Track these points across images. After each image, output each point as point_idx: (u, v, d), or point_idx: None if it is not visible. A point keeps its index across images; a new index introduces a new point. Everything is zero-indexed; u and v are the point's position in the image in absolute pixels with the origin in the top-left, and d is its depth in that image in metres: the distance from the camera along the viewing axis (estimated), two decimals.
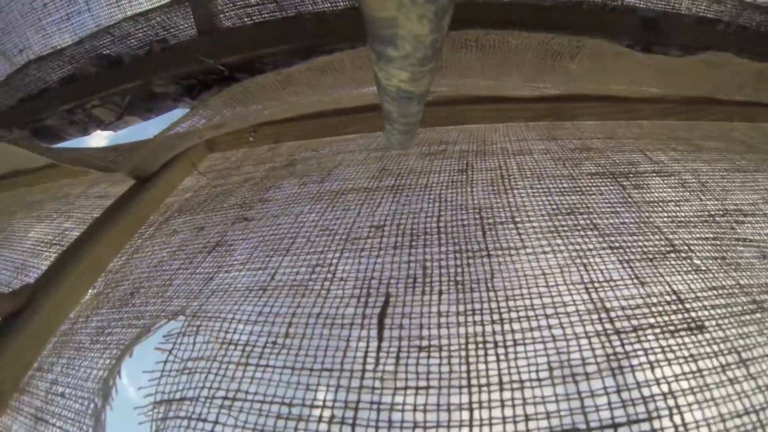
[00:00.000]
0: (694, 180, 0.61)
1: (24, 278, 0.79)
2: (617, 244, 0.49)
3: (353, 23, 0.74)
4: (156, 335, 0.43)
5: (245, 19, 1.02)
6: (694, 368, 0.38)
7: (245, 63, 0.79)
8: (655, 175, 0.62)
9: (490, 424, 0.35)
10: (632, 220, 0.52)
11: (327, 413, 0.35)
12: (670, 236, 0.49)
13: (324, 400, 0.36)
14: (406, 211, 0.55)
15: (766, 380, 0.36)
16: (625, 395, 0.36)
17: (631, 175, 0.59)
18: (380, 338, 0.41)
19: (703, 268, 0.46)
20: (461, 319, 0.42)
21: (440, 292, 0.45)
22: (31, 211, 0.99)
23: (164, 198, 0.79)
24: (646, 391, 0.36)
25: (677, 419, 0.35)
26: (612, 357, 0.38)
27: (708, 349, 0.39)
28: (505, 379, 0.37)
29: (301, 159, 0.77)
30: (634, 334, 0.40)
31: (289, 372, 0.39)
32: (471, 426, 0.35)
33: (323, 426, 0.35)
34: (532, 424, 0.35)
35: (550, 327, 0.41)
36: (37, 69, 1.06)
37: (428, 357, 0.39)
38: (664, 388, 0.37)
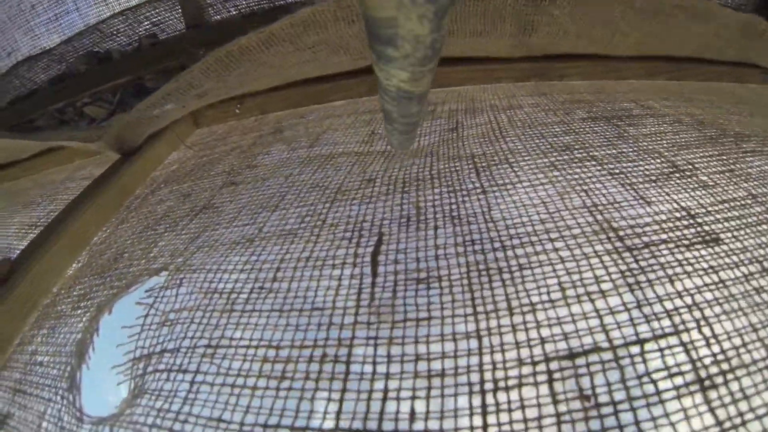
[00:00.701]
0: (689, 119, 0.58)
1: (7, 251, 0.74)
2: (617, 170, 0.45)
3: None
4: (137, 291, 0.39)
5: (233, 12, 1.01)
6: (716, 279, 0.34)
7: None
8: (649, 116, 0.58)
9: (502, 350, 0.31)
10: (631, 149, 0.48)
11: (318, 352, 0.31)
12: (672, 158, 0.46)
13: (315, 340, 0.32)
14: (398, 166, 0.52)
15: None
16: (647, 310, 0.31)
17: (625, 117, 0.56)
18: (374, 274, 0.37)
19: (711, 183, 0.42)
20: (460, 249, 0.38)
21: (436, 227, 0.41)
22: (16, 198, 0.95)
23: (150, 172, 0.75)
24: (668, 305, 0.31)
25: (707, 331, 0.30)
26: (627, 273, 0.34)
27: (728, 260, 0.34)
28: (514, 303, 0.33)
29: (288, 125, 0.74)
30: (647, 250, 0.36)
31: (276, 315, 0.34)
32: (481, 353, 0.30)
33: (314, 366, 0.30)
34: (549, 347, 0.30)
35: (556, 249, 0.37)
36: (26, 70, 1.04)
37: (428, 288, 0.35)
38: (688, 300, 0.32)
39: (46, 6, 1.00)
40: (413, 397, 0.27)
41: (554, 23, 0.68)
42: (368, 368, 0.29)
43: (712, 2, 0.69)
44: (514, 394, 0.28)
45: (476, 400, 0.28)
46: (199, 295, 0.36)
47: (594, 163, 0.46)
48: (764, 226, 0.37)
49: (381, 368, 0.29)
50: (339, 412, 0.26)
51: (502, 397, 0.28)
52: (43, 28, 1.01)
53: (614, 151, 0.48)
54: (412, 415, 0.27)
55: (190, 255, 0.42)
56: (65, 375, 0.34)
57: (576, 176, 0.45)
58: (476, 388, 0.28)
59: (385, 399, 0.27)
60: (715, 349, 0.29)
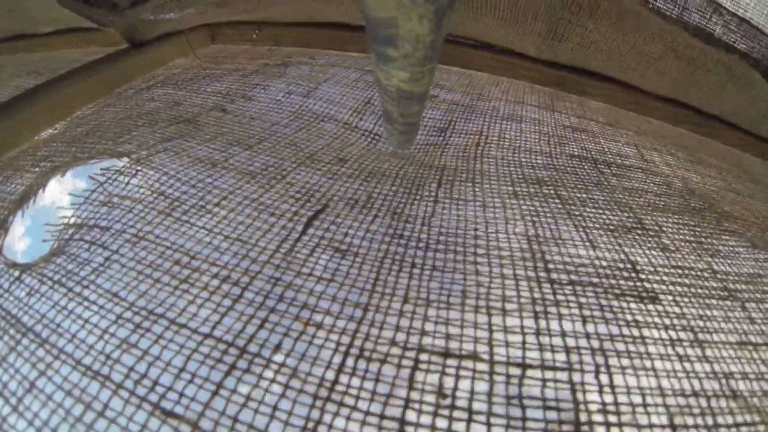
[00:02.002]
0: (681, 184, 0.56)
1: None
2: (577, 212, 0.46)
3: None
4: (94, 165, 0.42)
5: None
6: (636, 334, 0.33)
7: None
8: (640, 171, 0.57)
9: (381, 328, 0.34)
10: (602, 198, 0.49)
11: (224, 273, 0.35)
12: (641, 216, 0.46)
13: (227, 264, 0.36)
14: (372, 154, 0.54)
15: (724, 369, 0.31)
16: (544, 339, 0.32)
17: (614, 166, 0.56)
18: (303, 232, 0.40)
19: (672, 248, 0.42)
20: (387, 239, 0.41)
21: (375, 216, 0.43)
22: (23, 67, 0.97)
23: (152, 68, 0.77)
24: (570, 341, 0.32)
25: (604, 378, 0.30)
26: (539, 301, 0.35)
27: (657, 320, 0.34)
28: (412, 294, 0.36)
29: (295, 62, 0.74)
30: (570, 287, 0.36)
31: (205, 233, 0.38)
32: (360, 322, 0.34)
33: (215, 281, 0.34)
34: (426, 340, 0.33)
35: (476, 263, 0.38)
36: None
37: (342, 258, 0.38)
38: (595, 344, 0.32)
39: None
40: (285, 335, 0.31)
41: (587, 36, 0.65)
42: (258, 299, 0.32)
43: (756, 74, 0.66)
44: (373, 366, 0.31)
45: (336, 359, 0.31)
46: (147, 191, 0.40)
47: (557, 201, 0.48)
48: (714, 301, 0.37)
49: (269, 303, 0.32)
50: (217, 324, 0.30)
51: (361, 364, 0.31)
52: None
53: (584, 195, 0.49)
54: (278, 348, 0.30)
55: (155, 152, 0.45)
56: (1, 218, 0.38)
57: (532, 208, 0.46)
58: (342, 348, 0.31)
59: (261, 327, 0.31)
60: (608, 399, 0.29)
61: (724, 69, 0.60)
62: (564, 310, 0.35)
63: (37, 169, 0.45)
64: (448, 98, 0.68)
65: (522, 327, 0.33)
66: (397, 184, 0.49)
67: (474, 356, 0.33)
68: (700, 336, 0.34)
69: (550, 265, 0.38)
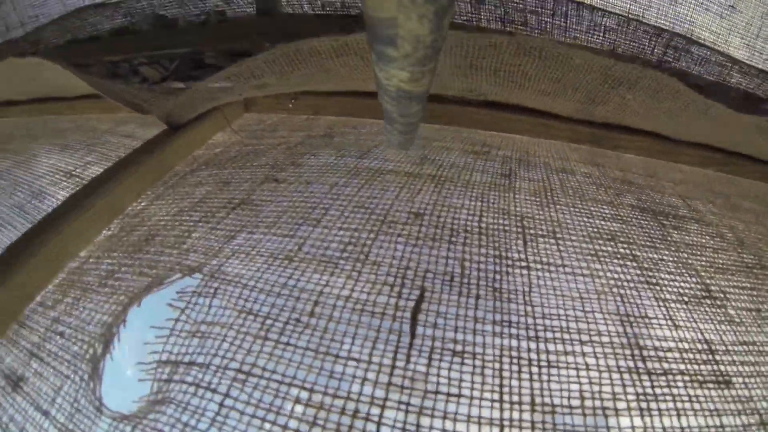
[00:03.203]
0: (731, 234, 0.58)
1: (38, 204, 0.71)
2: (654, 280, 0.46)
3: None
4: (168, 289, 0.38)
5: (306, 7, 0.91)
6: (718, 423, 0.36)
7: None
8: (694, 222, 0.59)
9: None
10: (671, 259, 0.49)
11: (351, 406, 0.32)
12: (708, 281, 0.47)
13: (349, 392, 0.33)
14: (447, 203, 0.51)
15: None
16: None
17: (671, 217, 0.56)
18: (413, 335, 0.37)
19: (737, 320, 0.44)
20: (497, 329, 0.39)
21: (477, 296, 0.41)
22: (54, 138, 0.89)
23: (193, 149, 0.72)
24: None
25: None
26: (642, 397, 0.36)
27: (732, 407, 0.37)
28: (537, 400, 0.35)
29: (339, 133, 0.70)
30: (664, 378, 0.38)
31: (312, 355, 0.35)
32: None
33: (346, 419, 0.31)
34: None
35: (584, 354, 0.38)
36: (91, 15, 0.95)
37: (462, 363, 0.36)
38: None
39: None
40: None
41: (624, 103, 0.66)
42: None
43: None
44: None
45: None
46: (234, 312, 0.36)
47: (635, 264, 0.47)
48: None
49: None
50: None
51: None
52: None
53: (655, 256, 0.49)
54: None
55: (225, 259, 0.41)
56: (87, 357, 0.33)
57: (615, 276, 0.45)
58: None
59: None
60: None
61: (756, 128, 0.61)
62: (663, 405, 0.35)
63: (105, 289, 0.40)
64: (500, 153, 0.66)
65: (633, 427, 0.33)
66: (483, 243, 0.47)
67: None
68: (764, 417, 0.36)
69: (645, 352, 0.38)
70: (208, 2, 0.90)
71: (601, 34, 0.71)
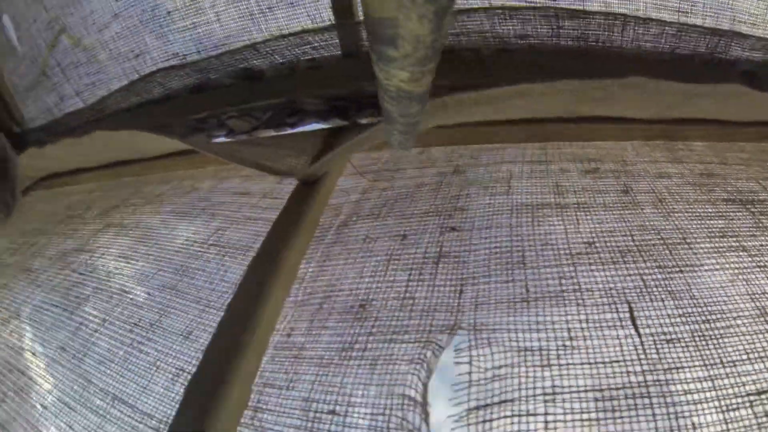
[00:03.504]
0: None
1: (190, 281, 0.81)
2: (763, 263, 0.71)
3: (510, 61, 0.84)
4: (447, 352, 0.55)
5: None
6: None
7: None
8: None
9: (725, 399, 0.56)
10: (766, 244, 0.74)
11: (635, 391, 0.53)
12: None
13: (629, 381, 0.54)
14: (604, 228, 0.72)
15: None
16: None
17: (756, 203, 0.81)
18: (639, 335, 0.59)
19: None
20: (684, 319, 0.62)
21: (662, 299, 0.63)
22: (158, 205, 0.96)
23: (328, 200, 0.85)
24: None
25: None
26: None
27: None
28: (725, 359, 0.58)
29: (465, 166, 0.87)
30: None
31: (588, 367, 0.55)
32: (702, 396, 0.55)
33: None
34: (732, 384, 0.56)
35: (738, 326, 0.61)
36: (162, 76, 0.98)
37: (674, 347, 0.58)
38: None
39: (183, 14, 0.95)
40: None
41: (696, 107, 0.88)
42: None
43: None
44: None
45: None
46: (512, 353, 0.54)
47: (745, 254, 0.71)
48: None
49: None
50: None
51: None
52: (178, 35, 0.97)
53: (757, 243, 0.73)
54: None
55: (471, 313, 0.58)
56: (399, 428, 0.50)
57: (735, 265, 0.69)
58: None
59: None
60: None
61: None
62: None
63: (351, 361, 0.55)
64: (606, 168, 0.87)
65: None
66: (645, 258, 0.68)
67: None
68: None
69: None
70: (295, 50, 0.99)
71: (663, 40, 0.92)
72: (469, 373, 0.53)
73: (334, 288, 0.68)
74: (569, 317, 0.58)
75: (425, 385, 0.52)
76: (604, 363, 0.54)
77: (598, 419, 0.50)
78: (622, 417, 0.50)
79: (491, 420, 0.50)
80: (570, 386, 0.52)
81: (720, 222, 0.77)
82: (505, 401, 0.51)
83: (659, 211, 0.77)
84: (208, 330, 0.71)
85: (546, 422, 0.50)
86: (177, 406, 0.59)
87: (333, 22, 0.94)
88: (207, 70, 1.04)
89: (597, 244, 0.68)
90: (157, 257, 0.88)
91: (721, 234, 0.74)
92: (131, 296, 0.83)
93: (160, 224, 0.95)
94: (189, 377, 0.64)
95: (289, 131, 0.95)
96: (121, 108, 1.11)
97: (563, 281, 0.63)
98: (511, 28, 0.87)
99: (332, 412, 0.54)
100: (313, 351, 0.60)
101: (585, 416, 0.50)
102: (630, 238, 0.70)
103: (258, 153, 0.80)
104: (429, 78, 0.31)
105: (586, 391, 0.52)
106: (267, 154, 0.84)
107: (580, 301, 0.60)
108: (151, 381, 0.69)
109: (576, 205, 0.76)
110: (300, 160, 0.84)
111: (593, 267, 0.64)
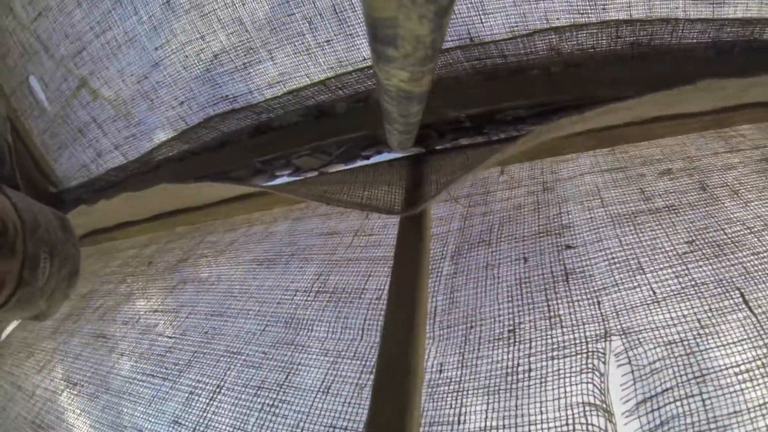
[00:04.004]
0: None
1: (308, 333, 0.94)
2: None
3: (577, 75, 1.08)
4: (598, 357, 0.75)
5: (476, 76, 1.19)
6: None
7: (485, 114, 1.06)
8: None
9: None
10: None
11: None
12: None
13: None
14: (697, 227, 0.95)
15: None
16: None
17: None
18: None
19: None
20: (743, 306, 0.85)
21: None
22: (233, 254, 1.09)
23: (429, 230, 1.03)
24: None
25: None
26: None
27: None
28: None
29: (551, 183, 1.09)
30: None
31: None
32: None
33: None
34: None
35: None
36: (218, 122, 1.12)
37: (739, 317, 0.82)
38: None
39: (232, 56, 1.09)
40: None
41: (748, 94, 1.16)
42: None
43: None
44: None
45: None
46: (661, 348, 0.75)
47: None
48: None
49: None
50: None
51: None
52: (227, 77, 1.11)
53: None
54: None
55: (616, 320, 0.78)
56: None
57: None
58: None
59: None
60: None
61: None
62: None
63: (520, 384, 0.75)
64: (675, 167, 1.11)
65: None
66: (734, 252, 0.93)
67: None
68: None
69: None
70: (366, 83, 1.16)
71: (706, 35, 1.19)
72: (632, 371, 0.73)
73: (474, 318, 0.86)
74: (695, 309, 0.80)
75: (602, 390, 0.72)
76: (734, 343, 0.76)
77: (742, 390, 0.72)
78: (759, 384, 0.72)
79: (658, 408, 0.71)
80: (713, 367, 0.73)
81: None
82: (666, 390, 0.72)
83: (737, 202, 1.02)
84: (348, 382, 0.86)
85: (703, 400, 0.71)
86: None
87: None
88: (268, 111, 1.21)
89: (697, 242, 0.92)
90: (257, 312, 1.01)
91: None
92: (243, 357, 0.96)
93: (246, 275, 1.08)
94: None
95: (360, 163, 1.14)
96: (170, 158, 1.24)
97: (680, 279, 0.85)
98: (575, 42, 1.11)
99: None
100: (476, 381, 0.78)
101: (729, 389, 0.72)
102: (722, 232, 0.94)
103: (346, 191, 0.97)
104: (429, 78, 0.34)
105: (726, 368, 0.74)
106: (355, 191, 1.00)
107: (700, 294, 0.82)
108: None
109: (666, 209, 0.99)
110: (394, 194, 1.02)
111: (701, 263, 0.87)
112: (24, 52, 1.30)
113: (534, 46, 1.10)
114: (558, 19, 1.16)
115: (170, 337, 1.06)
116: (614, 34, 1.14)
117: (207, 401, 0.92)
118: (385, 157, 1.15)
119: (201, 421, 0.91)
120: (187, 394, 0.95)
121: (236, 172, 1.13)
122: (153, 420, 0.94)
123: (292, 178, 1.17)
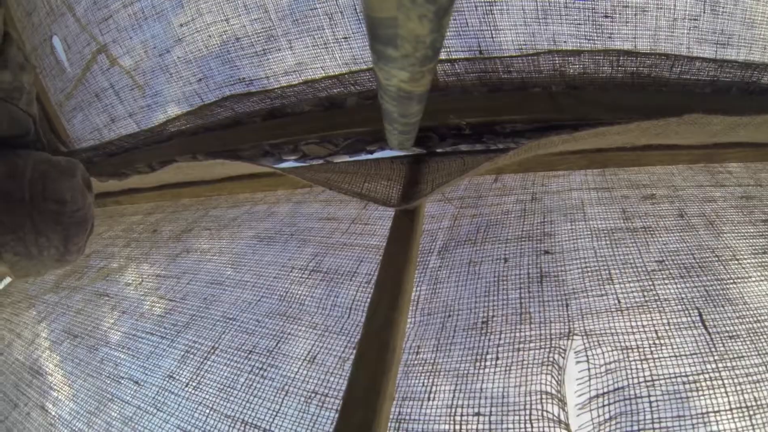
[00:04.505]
0: None
1: (300, 307, 1.02)
2: None
3: (577, 97, 1.16)
4: (564, 354, 0.83)
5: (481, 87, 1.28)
6: None
7: (485, 124, 1.15)
8: None
9: None
10: None
11: None
12: None
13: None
14: (669, 249, 1.03)
15: None
16: None
17: None
18: (707, 331, 0.90)
19: None
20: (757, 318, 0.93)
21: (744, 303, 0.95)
22: (236, 229, 1.18)
23: (421, 225, 1.12)
24: None
25: None
26: None
27: None
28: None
29: (540, 194, 1.17)
30: None
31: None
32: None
33: None
34: None
35: None
36: (234, 102, 1.21)
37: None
38: None
39: (253, 40, 1.18)
40: None
41: (736, 132, 1.25)
42: None
43: None
44: None
45: None
46: (617, 351, 0.83)
47: None
48: None
49: None
50: None
51: None
52: (246, 61, 1.19)
53: None
54: None
55: (581, 322, 0.86)
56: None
57: None
58: None
59: None
60: None
61: None
62: None
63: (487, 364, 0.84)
64: (660, 194, 1.19)
65: None
66: (699, 274, 1.01)
67: None
68: None
69: None
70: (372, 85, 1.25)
71: (704, 73, 1.28)
72: (588, 369, 0.82)
73: (453, 308, 0.94)
74: (655, 321, 0.88)
75: (559, 381, 0.80)
76: (686, 355, 0.84)
77: (687, 398, 0.80)
78: (704, 395, 0.80)
79: (609, 404, 0.79)
80: (663, 374, 0.81)
81: (761, 240, 1.11)
82: (617, 389, 0.80)
83: (711, 232, 1.10)
84: (333, 354, 0.95)
85: (650, 402, 0.79)
86: (314, 427, 0.84)
87: None
88: (282, 97, 1.29)
89: (666, 262, 1.00)
90: (254, 284, 1.10)
91: (763, 251, 1.08)
92: (238, 323, 1.04)
93: (246, 250, 1.17)
94: (323, 399, 0.88)
95: (364, 157, 1.22)
96: (183, 131, 1.33)
97: (645, 293, 0.93)
98: (579, 65, 1.20)
99: (477, 414, 0.81)
100: (447, 364, 0.87)
101: (676, 396, 0.80)
102: (691, 256, 1.02)
103: (348, 180, 1.05)
104: (429, 78, 0.34)
105: (676, 377, 0.82)
106: (356, 182, 1.09)
107: (661, 309, 0.90)
108: (283, 405, 0.92)
109: (643, 229, 1.07)
110: (393, 189, 1.10)
111: (667, 281, 0.95)
112: (50, 11, 1.39)
113: (539, 65, 1.18)
114: (565, 42, 1.24)
115: (171, 300, 1.14)
116: (616, 63, 1.23)
117: (201, 360, 1.01)
118: (388, 154, 1.24)
119: (194, 377, 0.99)
120: (182, 353, 1.04)
121: (246, 152, 1.22)
122: (149, 373, 1.03)
123: (298, 164, 1.26)
